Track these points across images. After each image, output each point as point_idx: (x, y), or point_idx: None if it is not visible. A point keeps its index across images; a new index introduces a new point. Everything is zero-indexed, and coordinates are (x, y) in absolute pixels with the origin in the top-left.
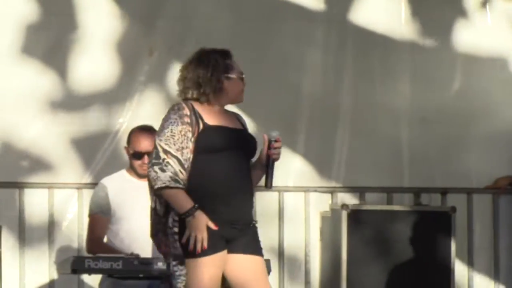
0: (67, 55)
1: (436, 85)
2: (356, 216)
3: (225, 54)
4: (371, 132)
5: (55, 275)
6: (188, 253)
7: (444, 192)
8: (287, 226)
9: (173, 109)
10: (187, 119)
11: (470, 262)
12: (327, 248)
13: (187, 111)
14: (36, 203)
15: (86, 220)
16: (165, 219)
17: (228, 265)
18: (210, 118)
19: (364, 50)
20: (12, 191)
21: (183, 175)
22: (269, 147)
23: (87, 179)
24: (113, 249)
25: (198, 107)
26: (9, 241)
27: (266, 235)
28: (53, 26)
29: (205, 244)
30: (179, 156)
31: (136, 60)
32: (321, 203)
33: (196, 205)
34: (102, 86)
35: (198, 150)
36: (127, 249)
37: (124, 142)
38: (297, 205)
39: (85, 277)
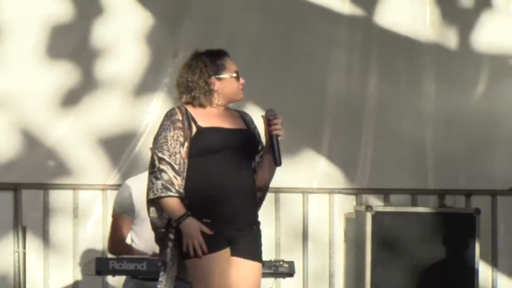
0: (92, 57)
1: (461, 86)
2: (380, 218)
3: (217, 55)
4: (396, 133)
5: (79, 276)
6: (190, 256)
7: (468, 194)
8: (312, 228)
9: (166, 115)
10: (179, 124)
11: (494, 264)
12: (351, 249)
13: (179, 116)
14: (60, 204)
15: (110, 221)
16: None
17: (231, 268)
18: (204, 120)
19: (389, 52)
20: (37, 192)
21: (177, 181)
22: (269, 126)
23: (112, 180)
24: (135, 249)
25: (192, 110)
26: (33, 242)
27: (290, 236)
28: (79, 27)
29: (204, 248)
30: (172, 162)
31: (161, 62)
32: (346, 204)
33: (189, 213)
34: (127, 87)
35: (194, 153)
36: (150, 250)
37: (149, 144)
38: (322, 206)
39: (109, 279)
